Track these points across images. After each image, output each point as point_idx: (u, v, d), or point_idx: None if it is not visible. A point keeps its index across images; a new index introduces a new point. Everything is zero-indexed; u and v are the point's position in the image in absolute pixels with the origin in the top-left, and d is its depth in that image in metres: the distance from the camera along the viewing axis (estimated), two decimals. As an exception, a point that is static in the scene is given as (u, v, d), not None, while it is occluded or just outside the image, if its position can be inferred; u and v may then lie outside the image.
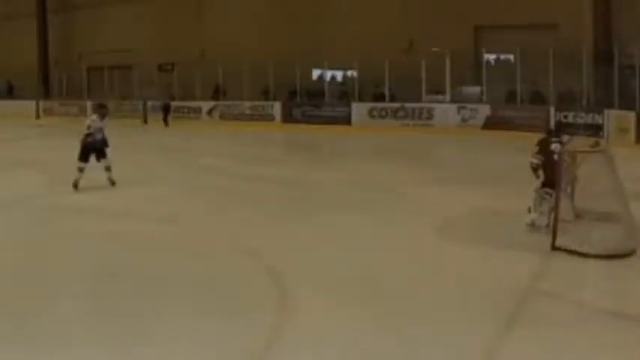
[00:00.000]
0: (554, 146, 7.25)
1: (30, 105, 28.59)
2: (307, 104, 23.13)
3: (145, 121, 25.65)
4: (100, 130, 10.45)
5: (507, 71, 19.60)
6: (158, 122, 24.70)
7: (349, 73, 23.67)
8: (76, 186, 10.17)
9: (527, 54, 18.62)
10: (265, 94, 24.38)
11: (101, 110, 10.78)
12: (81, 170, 10.19)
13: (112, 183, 10.53)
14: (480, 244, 6.99)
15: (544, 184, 7.28)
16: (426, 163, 14.64)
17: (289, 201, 9.67)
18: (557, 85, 18.30)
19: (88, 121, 10.59)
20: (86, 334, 4.81)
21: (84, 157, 10.30)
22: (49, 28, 31.00)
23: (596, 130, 15.98)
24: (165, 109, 24.51)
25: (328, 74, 24.03)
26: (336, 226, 7.94)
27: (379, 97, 21.85)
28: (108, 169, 10.49)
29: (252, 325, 4.94)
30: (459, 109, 19.79)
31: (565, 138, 7.76)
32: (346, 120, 21.73)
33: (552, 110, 17.63)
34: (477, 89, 20.31)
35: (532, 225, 7.27)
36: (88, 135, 10.35)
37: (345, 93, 23.41)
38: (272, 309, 5.28)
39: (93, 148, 10.34)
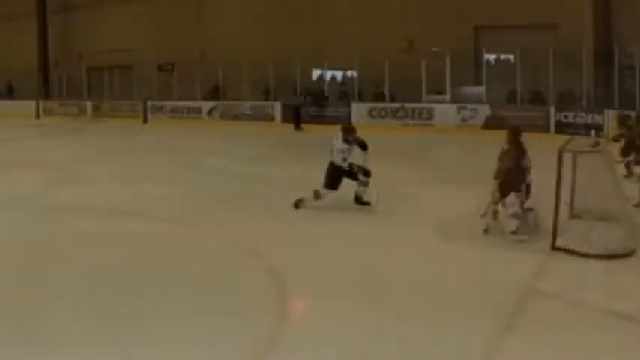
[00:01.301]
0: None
1: (30, 105, 28.57)
2: (310, 104, 23.10)
3: (145, 121, 25.67)
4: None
5: (507, 71, 19.59)
6: (159, 123, 24.74)
7: (349, 73, 23.66)
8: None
9: (527, 54, 18.61)
10: (265, 94, 24.37)
11: (350, 136, 8.73)
12: (319, 197, 8.58)
13: (366, 203, 8.65)
14: (480, 244, 7.00)
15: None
16: (426, 163, 14.62)
17: (289, 201, 9.66)
18: (557, 85, 18.29)
19: (339, 155, 8.57)
20: (86, 334, 4.81)
21: (334, 184, 8.60)
22: (49, 28, 30.97)
23: (596, 130, 15.96)
24: (297, 112, 21.90)
25: (328, 74, 24.02)
26: (336, 225, 7.94)
27: (379, 97, 21.84)
28: (365, 184, 8.65)
29: (252, 325, 4.94)
30: (459, 109, 19.77)
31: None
32: (346, 120, 21.70)
33: (552, 110, 17.63)
34: (479, 89, 20.29)
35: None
36: (343, 169, 8.57)
37: (344, 93, 23.40)
38: (272, 309, 5.28)
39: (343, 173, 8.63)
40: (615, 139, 10.63)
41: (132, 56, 27.33)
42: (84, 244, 7.23)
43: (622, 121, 13.55)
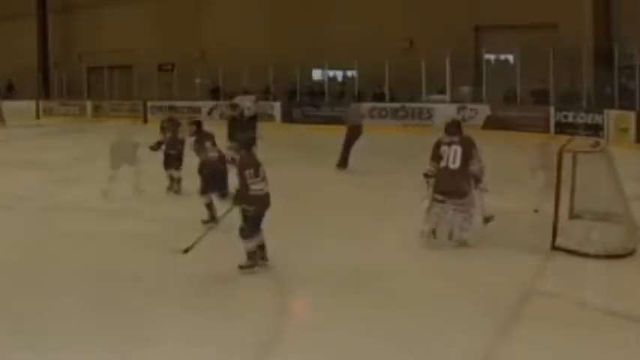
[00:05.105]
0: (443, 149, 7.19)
1: (30, 105, 28.54)
2: (307, 104, 23.10)
3: (145, 121, 25.65)
4: None
5: (507, 71, 19.57)
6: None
7: (349, 73, 23.64)
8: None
9: (527, 54, 18.60)
10: (265, 94, 24.35)
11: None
12: None
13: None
14: (480, 244, 6.99)
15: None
16: (426, 163, 14.60)
17: (290, 201, 9.64)
18: (557, 85, 18.27)
19: None
20: (86, 335, 4.81)
21: None
22: (49, 28, 30.92)
23: (596, 130, 15.96)
24: None
25: (328, 74, 24.00)
26: (336, 226, 7.93)
27: (379, 97, 21.82)
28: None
29: (252, 325, 4.93)
30: (459, 109, 19.75)
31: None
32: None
33: (552, 110, 17.61)
34: (468, 89, 20.45)
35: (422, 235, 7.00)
36: None
37: (343, 93, 23.38)
38: (272, 309, 5.28)
39: None
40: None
41: (132, 56, 27.30)
42: (83, 244, 7.23)
43: None
